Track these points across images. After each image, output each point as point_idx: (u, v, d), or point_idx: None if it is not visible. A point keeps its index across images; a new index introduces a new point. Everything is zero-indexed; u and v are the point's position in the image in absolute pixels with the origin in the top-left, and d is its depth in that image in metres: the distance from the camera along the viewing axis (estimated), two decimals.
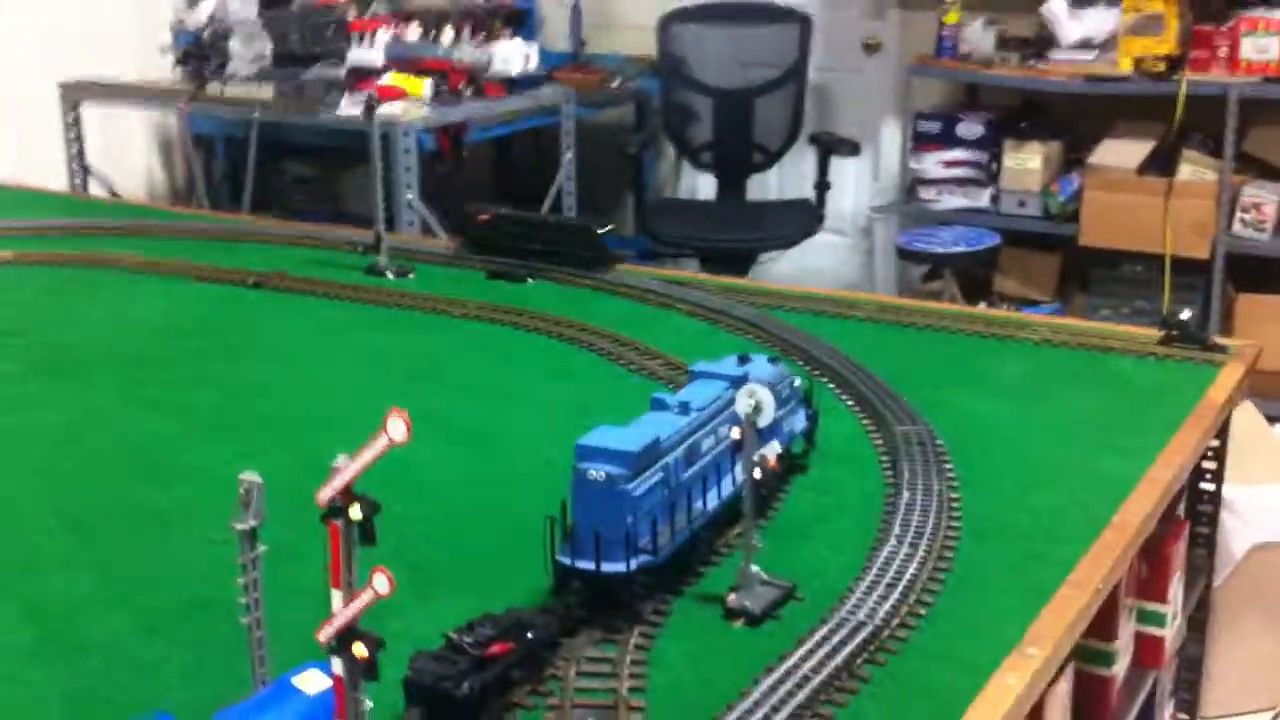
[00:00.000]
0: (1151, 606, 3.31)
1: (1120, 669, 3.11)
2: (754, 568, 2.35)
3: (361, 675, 1.48)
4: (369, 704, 1.50)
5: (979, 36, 7.11)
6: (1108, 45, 6.92)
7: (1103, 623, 3.06)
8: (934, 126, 7.22)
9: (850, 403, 3.24)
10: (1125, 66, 6.71)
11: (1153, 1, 6.76)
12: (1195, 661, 3.95)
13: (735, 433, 2.35)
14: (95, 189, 6.05)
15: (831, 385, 3.35)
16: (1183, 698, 3.95)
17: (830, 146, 7.47)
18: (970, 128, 7.14)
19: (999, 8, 7.25)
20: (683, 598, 2.38)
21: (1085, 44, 6.97)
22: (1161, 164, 6.72)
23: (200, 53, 5.80)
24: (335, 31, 5.61)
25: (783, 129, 7.67)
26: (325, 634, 1.47)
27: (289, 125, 6.01)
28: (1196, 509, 3.80)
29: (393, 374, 3.60)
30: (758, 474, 2.32)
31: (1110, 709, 3.11)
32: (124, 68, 6.22)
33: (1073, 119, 7.16)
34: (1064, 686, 2.80)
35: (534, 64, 6.13)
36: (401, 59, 5.82)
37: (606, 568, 2.26)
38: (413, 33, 6.00)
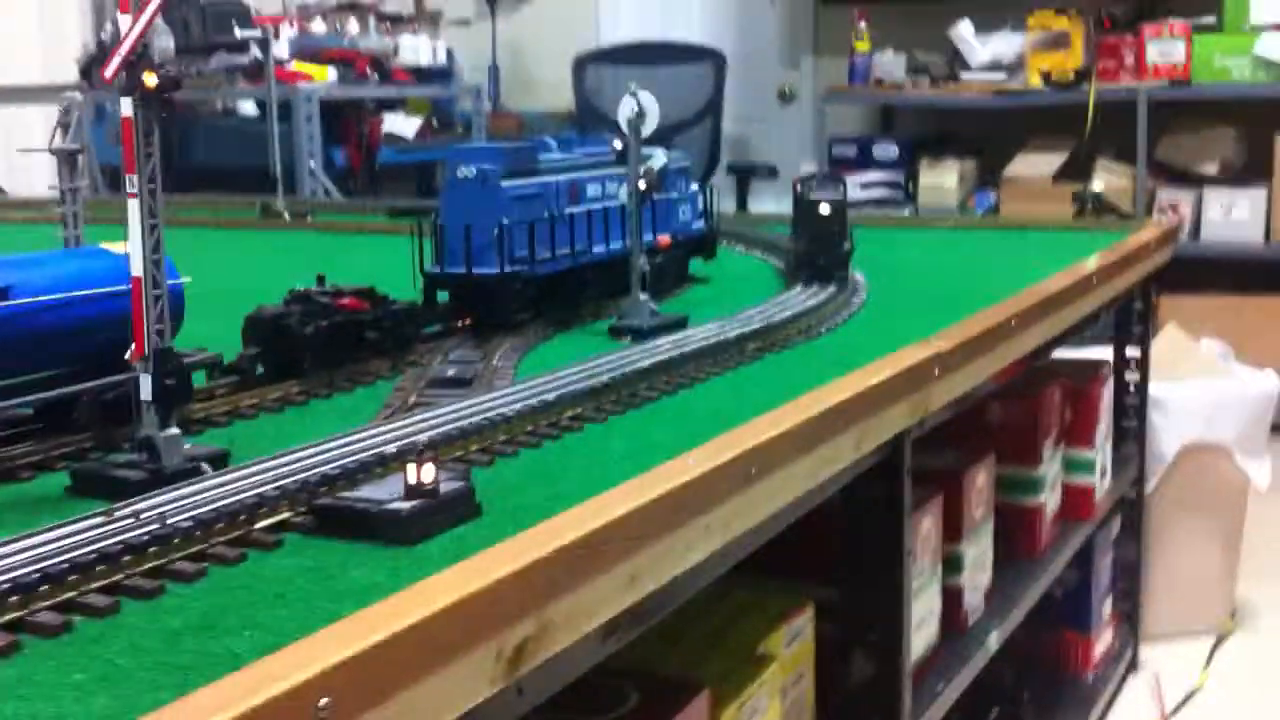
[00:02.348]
0: (1078, 453, 3.16)
1: (1047, 499, 2.94)
2: (642, 296, 2.19)
3: (155, 112, 1.30)
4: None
5: (890, 62, 7.19)
6: (1015, 67, 7.01)
7: (1023, 449, 2.91)
8: (850, 150, 7.24)
9: (766, 256, 3.11)
10: (1035, 81, 6.79)
11: (1058, 19, 6.88)
12: (1132, 566, 3.78)
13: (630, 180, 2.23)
14: None
15: (759, 253, 3.20)
16: (1123, 608, 3.76)
17: (748, 172, 7.46)
18: (885, 149, 7.16)
19: (908, 39, 7.35)
20: (568, 333, 2.21)
21: (995, 65, 7.06)
22: (1075, 174, 6.76)
23: (101, 54, 5.72)
24: (238, 23, 5.57)
25: (701, 162, 7.65)
26: (111, 67, 1.29)
27: (193, 119, 5.91)
28: (1124, 402, 3.68)
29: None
30: (642, 185, 2.18)
31: (1038, 541, 2.93)
32: (30, 73, 6.13)
33: (986, 136, 7.22)
34: (983, 479, 2.64)
35: (442, 58, 6.09)
36: (306, 50, 5.79)
37: (478, 271, 2.09)
38: (318, 26, 5.97)
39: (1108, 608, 3.62)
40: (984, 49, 7.14)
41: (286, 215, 4.22)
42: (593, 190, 2.32)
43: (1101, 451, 3.23)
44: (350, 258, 3.34)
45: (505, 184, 2.10)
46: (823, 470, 1.67)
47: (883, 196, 7.20)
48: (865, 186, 7.21)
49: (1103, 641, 3.58)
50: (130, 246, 1.34)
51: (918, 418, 1.97)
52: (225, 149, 6.81)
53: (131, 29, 1.29)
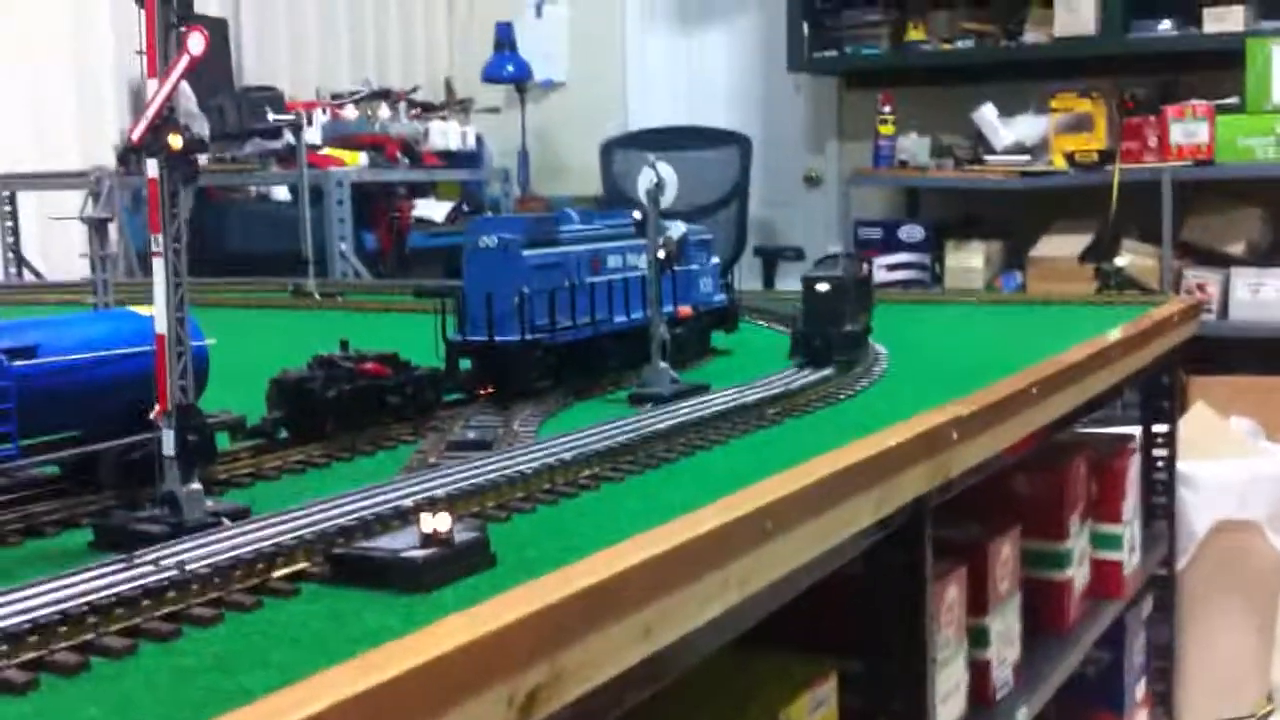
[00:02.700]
0: (1105, 528, 3.13)
1: (1075, 574, 2.91)
2: (663, 364, 2.21)
3: (180, 173, 1.33)
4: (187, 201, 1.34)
5: (915, 146, 7.26)
6: (1039, 149, 7.06)
7: (1049, 522, 2.89)
8: (875, 233, 7.28)
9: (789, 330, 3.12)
10: (1059, 163, 6.84)
11: (1080, 102, 6.95)
12: (1165, 647, 3.72)
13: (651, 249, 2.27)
14: (31, 278, 6.04)
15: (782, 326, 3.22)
16: (1157, 689, 3.70)
17: (775, 255, 7.51)
18: (910, 231, 7.21)
19: (932, 122, 7.43)
20: (588, 401, 2.23)
21: (1019, 148, 7.11)
22: (1101, 254, 6.77)
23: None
24: (272, 109, 5.70)
25: (728, 244, 7.71)
26: (138, 131, 1.33)
27: (227, 205, 6.01)
28: (1152, 479, 3.65)
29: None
30: (661, 254, 2.20)
31: (1067, 616, 2.90)
32: (68, 161, 6.26)
33: (1011, 220, 7.25)
34: (1008, 550, 2.62)
35: (471, 142, 6.18)
36: (338, 135, 5.90)
37: (500, 338, 2.11)
38: (349, 113, 6.09)
39: (1141, 689, 3.57)
40: (1008, 131, 7.20)
41: (317, 295, 4.28)
42: (613, 261, 2.35)
43: (1130, 527, 3.21)
44: (377, 332, 3.38)
45: (526, 253, 2.13)
46: (841, 531, 1.67)
47: (910, 278, 7.23)
48: (891, 268, 7.25)
49: None
50: (155, 303, 1.37)
51: (938, 482, 1.97)
52: (258, 234, 6.92)
53: (158, 92, 1.33)
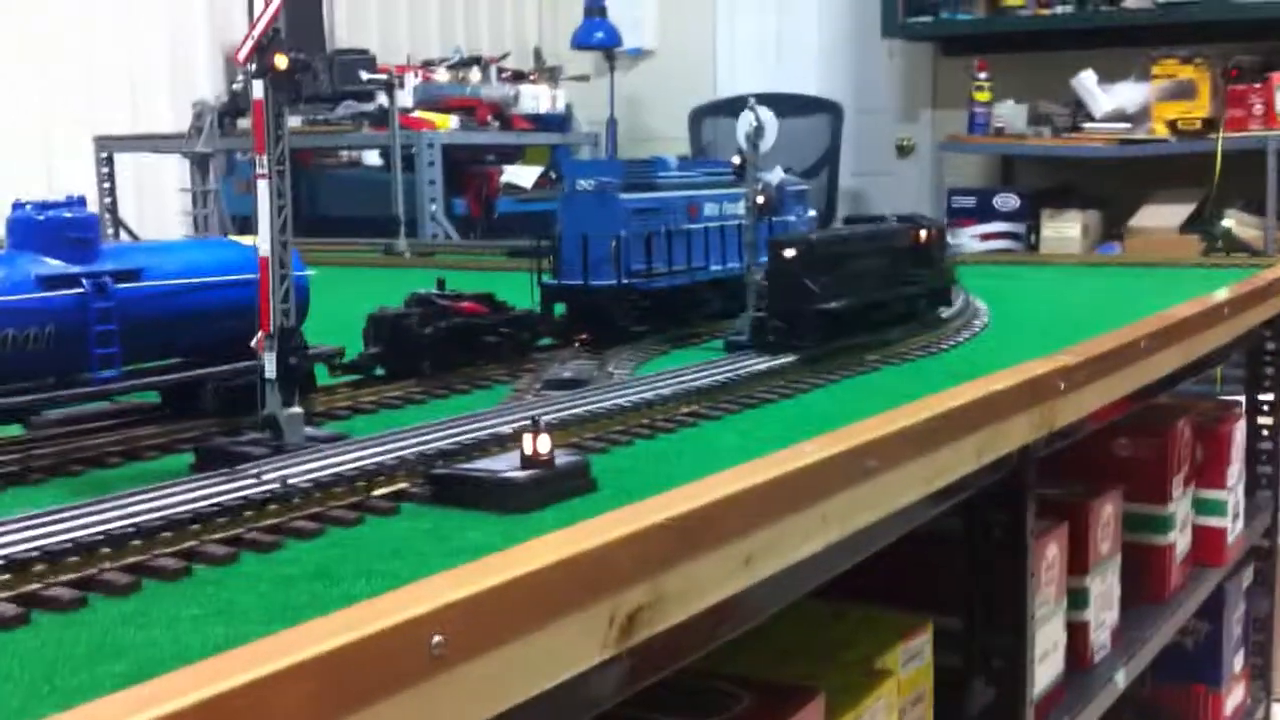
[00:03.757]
0: (1209, 494, 3.05)
1: (1176, 539, 2.84)
2: (757, 312, 2.17)
3: (285, 93, 1.33)
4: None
5: (1011, 113, 7.12)
6: (1140, 117, 6.89)
7: (1152, 485, 2.82)
8: (969, 201, 7.16)
9: None
10: (1160, 131, 6.67)
11: (1183, 68, 6.76)
12: (1265, 620, 3.62)
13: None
14: (126, 239, 6.12)
15: None
16: (1255, 663, 3.61)
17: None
18: (1005, 200, 7.07)
19: (1029, 89, 7.28)
20: (683, 348, 2.20)
21: (1118, 115, 6.94)
22: (1203, 225, 6.59)
23: (235, 106, 5.90)
24: (365, 71, 5.72)
25: (817, 214, 7.63)
26: (243, 50, 1.32)
27: (319, 170, 6.06)
28: (1256, 448, 3.55)
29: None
30: (759, 200, 2.17)
31: (1167, 583, 2.82)
32: (159, 123, 6.34)
33: (1109, 189, 7.09)
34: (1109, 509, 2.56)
35: (561, 106, 6.18)
36: (429, 99, 5.92)
37: (595, 282, 2.10)
38: (441, 76, 6.10)
39: (1239, 662, 3.48)
40: (1108, 98, 7.02)
41: (408, 254, 4.30)
42: (710, 208, 2.32)
43: (1233, 494, 3.12)
44: (470, 285, 3.39)
45: (624, 197, 2.11)
46: (943, 475, 1.63)
47: (1004, 248, 7.10)
48: (985, 238, 7.13)
49: (1233, 698, 3.44)
50: (259, 226, 1.36)
51: (1042, 433, 1.92)
52: (349, 200, 6.97)
53: (263, 13, 1.33)
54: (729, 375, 1.73)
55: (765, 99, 7.80)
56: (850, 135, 7.87)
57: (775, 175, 2.31)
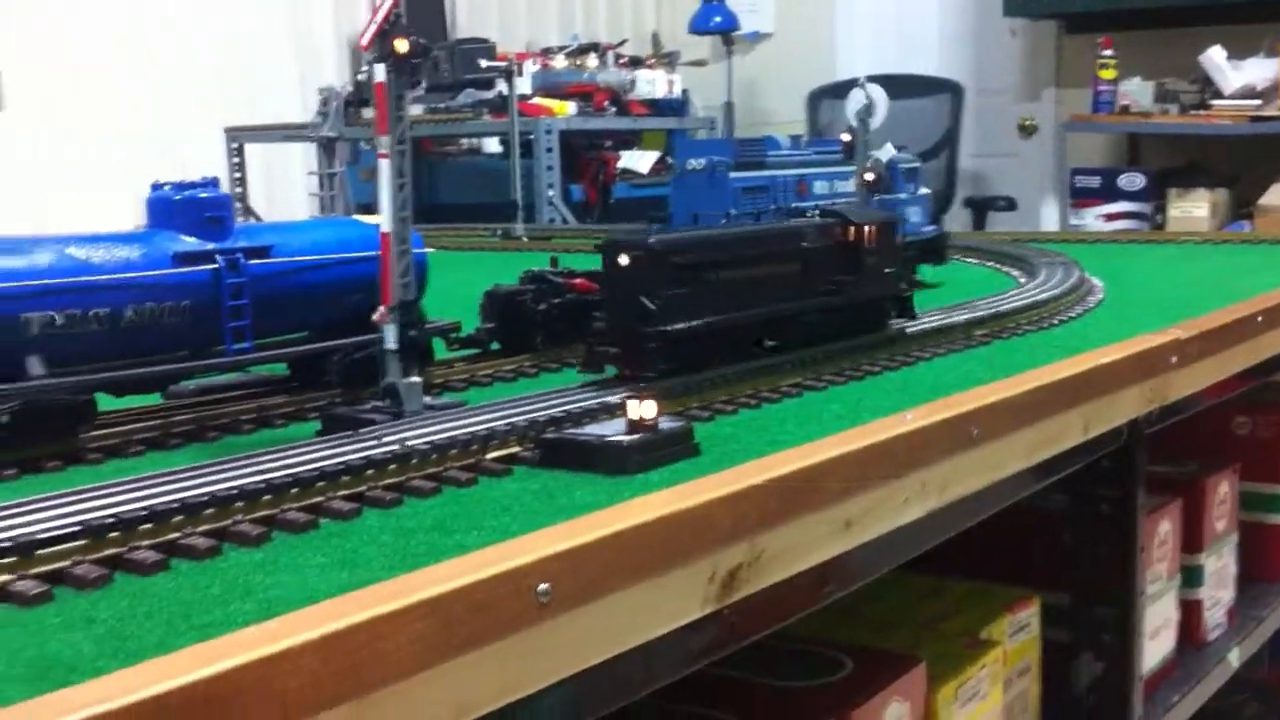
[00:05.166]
0: None
1: None
2: None
3: (406, 76, 1.39)
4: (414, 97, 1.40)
5: (1137, 90, 6.98)
6: (1270, 93, 6.71)
7: (1271, 464, 2.78)
8: (1093, 181, 7.04)
9: (1001, 266, 3.06)
10: None
11: None
12: None
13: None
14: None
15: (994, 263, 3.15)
16: None
17: (985, 204, 7.34)
18: (1131, 180, 6.94)
19: (1155, 66, 7.13)
20: None
21: (1248, 92, 6.77)
22: None
23: (359, 96, 6.05)
24: (485, 59, 5.82)
25: (937, 195, 7.55)
26: (367, 36, 1.39)
27: (439, 158, 6.20)
28: None
29: None
30: (869, 177, 2.19)
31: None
32: (284, 113, 6.54)
33: (1239, 167, 6.91)
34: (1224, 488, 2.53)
35: (678, 91, 6.23)
36: (547, 85, 6.01)
37: None
38: (559, 63, 6.19)
39: None
40: (1237, 75, 6.85)
41: (525, 239, 4.38)
42: (820, 186, 2.34)
43: None
44: (584, 265, 3.45)
45: (734, 175, 2.14)
46: (1048, 447, 1.65)
47: (1129, 229, 6.97)
48: (1110, 218, 7.01)
49: None
50: (381, 203, 1.43)
51: (1153, 407, 1.92)
52: (467, 187, 7.10)
53: (385, 0, 1.39)
54: (908, 328, 1.77)
55: (884, 80, 7.73)
56: (971, 115, 7.77)
57: (886, 152, 2.32)
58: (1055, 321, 2.15)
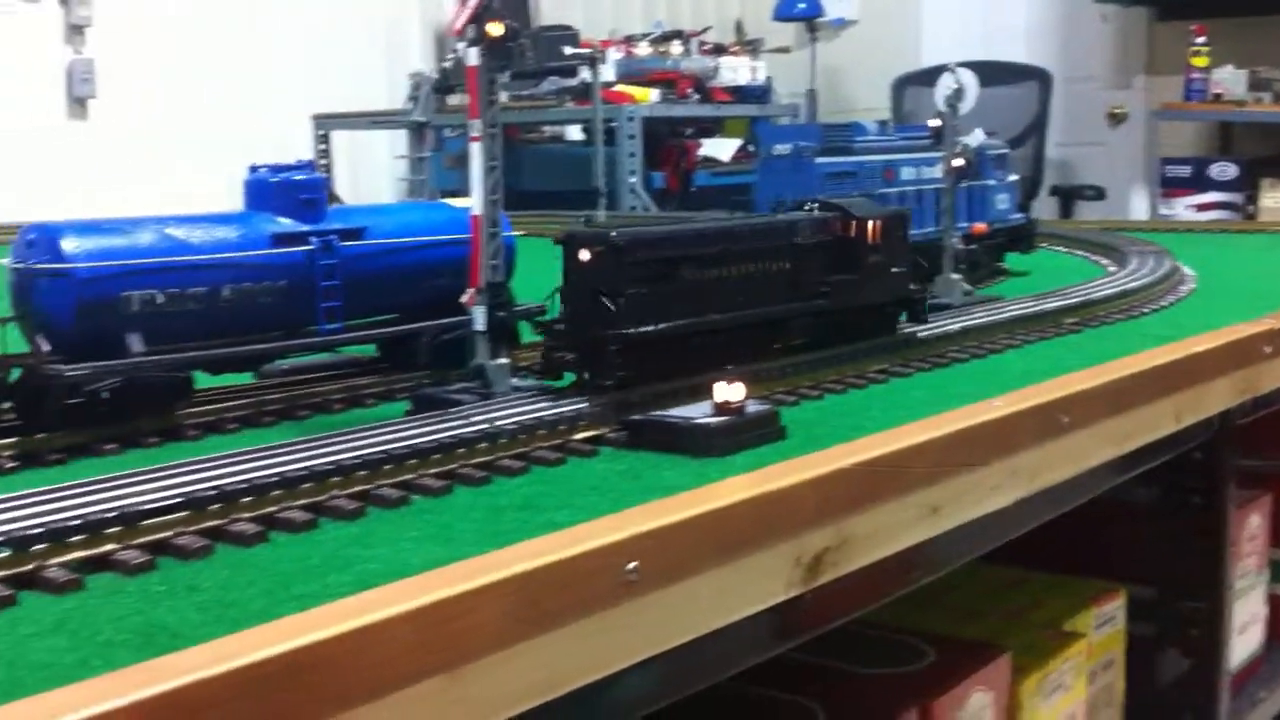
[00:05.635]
0: None
1: None
2: (954, 275, 2.18)
3: (499, 60, 1.41)
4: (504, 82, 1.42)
5: (1230, 79, 6.84)
6: None
7: None
8: (1184, 170, 6.92)
9: (1090, 255, 3.02)
10: None
11: None
12: None
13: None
14: None
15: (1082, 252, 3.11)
16: None
17: (1072, 194, 7.24)
18: (1223, 169, 6.81)
19: (1250, 54, 6.98)
20: None
21: None
22: None
23: (445, 83, 6.09)
24: (568, 46, 5.85)
25: (1023, 184, 7.47)
26: (461, 20, 1.41)
27: (522, 146, 6.25)
28: None
29: None
30: (959, 163, 2.17)
31: None
32: (372, 102, 6.61)
33: None
34: None
35: (761, 77, 6.21)
36: (630, 72, 6.02)
37: None
38: (642, 50, 6.20)
39: None
40: None
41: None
42: (907, 172, 2.33)
43: None
44: None
45: (819, 161, 2.14)
46: (1138, 436, 1.63)
47: (1219, 219, 6.84)
48: (1201, 208, 6.88)
49: None
50: (471, 186, 1.45)
51: (1245, 397, 1.89)
52: (550, 174, 7.14)
53: None
54: (922, 334, 1.75)
55: (971, 66, 7.64)
56: (1059, 103, 7.66)
57: (975, 138, 2.30)
58: (1146, 310, 2.13)
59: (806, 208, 1.71)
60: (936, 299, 2.15)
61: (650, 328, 1.42)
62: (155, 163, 6.33)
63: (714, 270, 1.51)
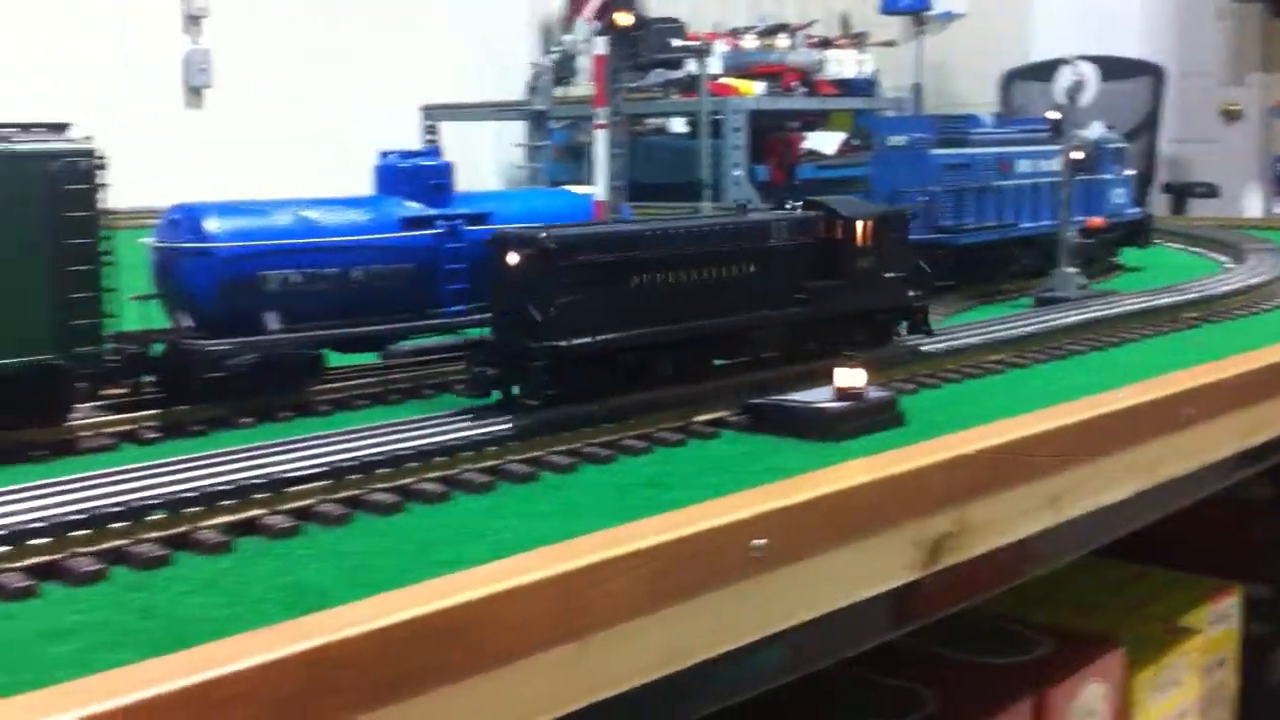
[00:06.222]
0: None
1: None
2: (1070, 269, 2.16)
3: (626, 49, 1.44)
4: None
5: None
6: None
7: None
8: None
9: (1207, 252, 2.97)
10: None
11: None
12: None
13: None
14: None
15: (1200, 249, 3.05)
16: None
17: (1185, 190, 7.10)
18: None
19: None
20: (990, 304, 2.22)
21: None
22: None
23: (557, 75, 6.13)
24: (675, 39, 5.86)
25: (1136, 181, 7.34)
26: (589, 10, 1.44)
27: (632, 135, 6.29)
28: None
29: None
30: (1078, 155, 2.16)
31: None
32: (476, 94, 6.69)
33: None
34: None
35: (867, 70, 6.17)
36: (737, 65, 6.02)
37: None
38: (748, 43, 6.19)
39: None
40: None
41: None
42: (1023, 165, 2.32)
43: None
44: None
45: (935, 152, 2.13)
46: (1263, 431, 1.60)
47: None
48: None
49: None
50: (596, 173, 1.48)
51: None
52: (654, 166, 7.15)
53: None
54: (1038, 327, 1.74)
55: (1083, 60, 7.52)
56: (1173, 99, 7.51)
57: (1094, 132, 2.28)
58: (1266, 307, 2.09)
59: (788, 206, 1.60)
60: (1051, 292, 2.14)
61: (585, 340, 1.26)
62: (265, 152, 6.47)
63: (667, 275, 1.37)
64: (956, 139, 2.19)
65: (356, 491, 1.06)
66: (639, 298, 1.34)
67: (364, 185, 1.63)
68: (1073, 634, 1.67)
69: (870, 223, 1.56)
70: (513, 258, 1.29)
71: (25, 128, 1.26)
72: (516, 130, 7.13)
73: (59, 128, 1.27)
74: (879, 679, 1.53)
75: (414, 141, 6.71)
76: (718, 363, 1.45)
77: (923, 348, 1.61)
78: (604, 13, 1.43)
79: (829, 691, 1.44)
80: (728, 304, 1.42)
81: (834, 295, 1.51)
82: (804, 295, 1.49)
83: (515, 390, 1.28)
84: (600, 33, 1.44)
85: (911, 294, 1.60)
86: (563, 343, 1.25)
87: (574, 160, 6.46)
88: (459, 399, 1.52)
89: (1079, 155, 2.13)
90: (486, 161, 7.32)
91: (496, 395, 1.30)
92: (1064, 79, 2.12)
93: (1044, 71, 8.05)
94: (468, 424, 1.20)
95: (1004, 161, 2.27)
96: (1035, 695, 1.52)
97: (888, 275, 1.57)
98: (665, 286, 1.37)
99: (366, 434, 1.16)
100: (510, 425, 1.21)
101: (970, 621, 1.57)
